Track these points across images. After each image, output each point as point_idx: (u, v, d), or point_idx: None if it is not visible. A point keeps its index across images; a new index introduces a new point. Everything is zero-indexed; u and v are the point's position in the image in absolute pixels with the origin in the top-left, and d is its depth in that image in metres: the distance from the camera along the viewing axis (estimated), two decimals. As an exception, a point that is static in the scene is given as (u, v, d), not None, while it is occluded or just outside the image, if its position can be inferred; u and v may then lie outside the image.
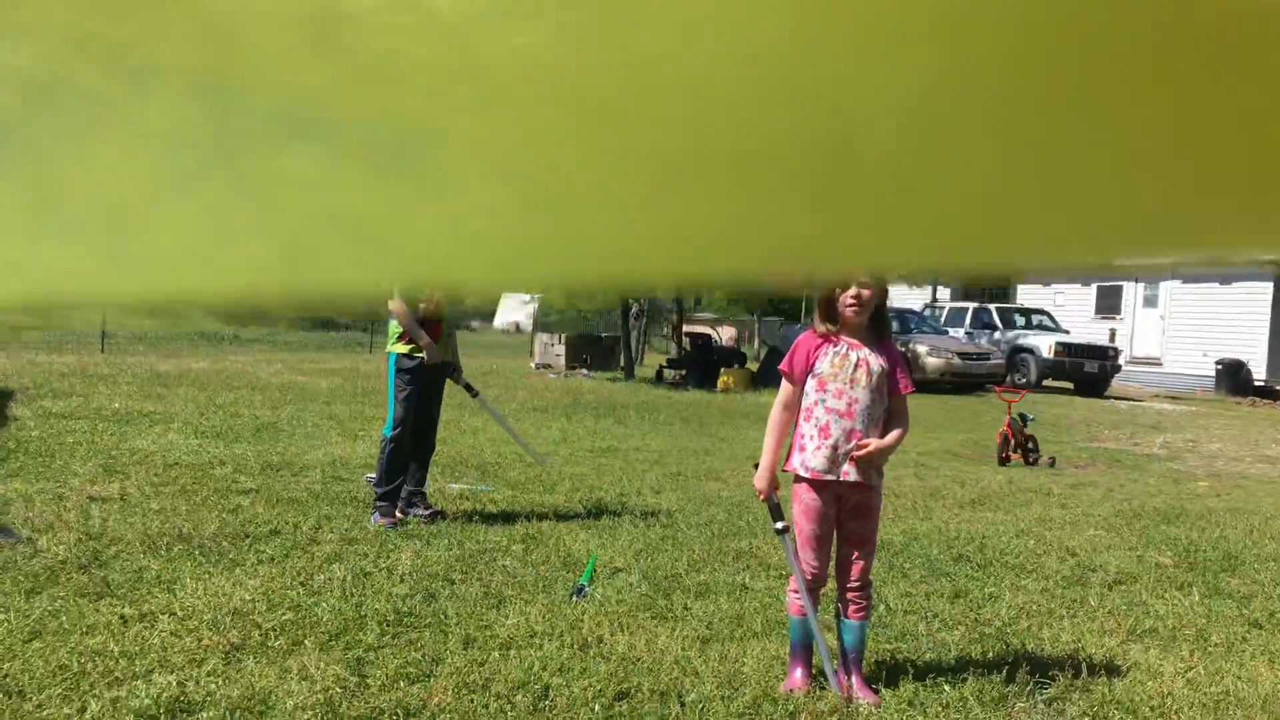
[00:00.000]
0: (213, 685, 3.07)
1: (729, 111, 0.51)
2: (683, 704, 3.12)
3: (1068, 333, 22.09)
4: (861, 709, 3.17)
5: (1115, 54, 0.47)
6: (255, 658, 3.35)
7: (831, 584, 3.47)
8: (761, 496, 3.38)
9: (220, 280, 0.63)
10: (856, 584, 3.36)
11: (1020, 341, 21.24)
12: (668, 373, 19.73)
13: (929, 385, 18.32)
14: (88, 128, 0.58)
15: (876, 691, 3.32)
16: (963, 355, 19.54)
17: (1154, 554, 5.70)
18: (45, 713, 2.81)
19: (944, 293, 30.09)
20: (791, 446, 3.38)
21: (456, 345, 6.05)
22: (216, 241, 0.61)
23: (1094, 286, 25.89)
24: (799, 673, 3.35)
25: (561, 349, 21.95)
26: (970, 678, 3.43)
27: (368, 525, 5.43)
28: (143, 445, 7.77)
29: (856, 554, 3.36)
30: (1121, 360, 21.82)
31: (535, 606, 4.07)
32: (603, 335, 24.98)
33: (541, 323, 32.72)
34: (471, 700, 3.08)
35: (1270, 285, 22.17)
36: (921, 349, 19.17)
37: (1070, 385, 21.01)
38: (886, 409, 3.34)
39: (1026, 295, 27.38)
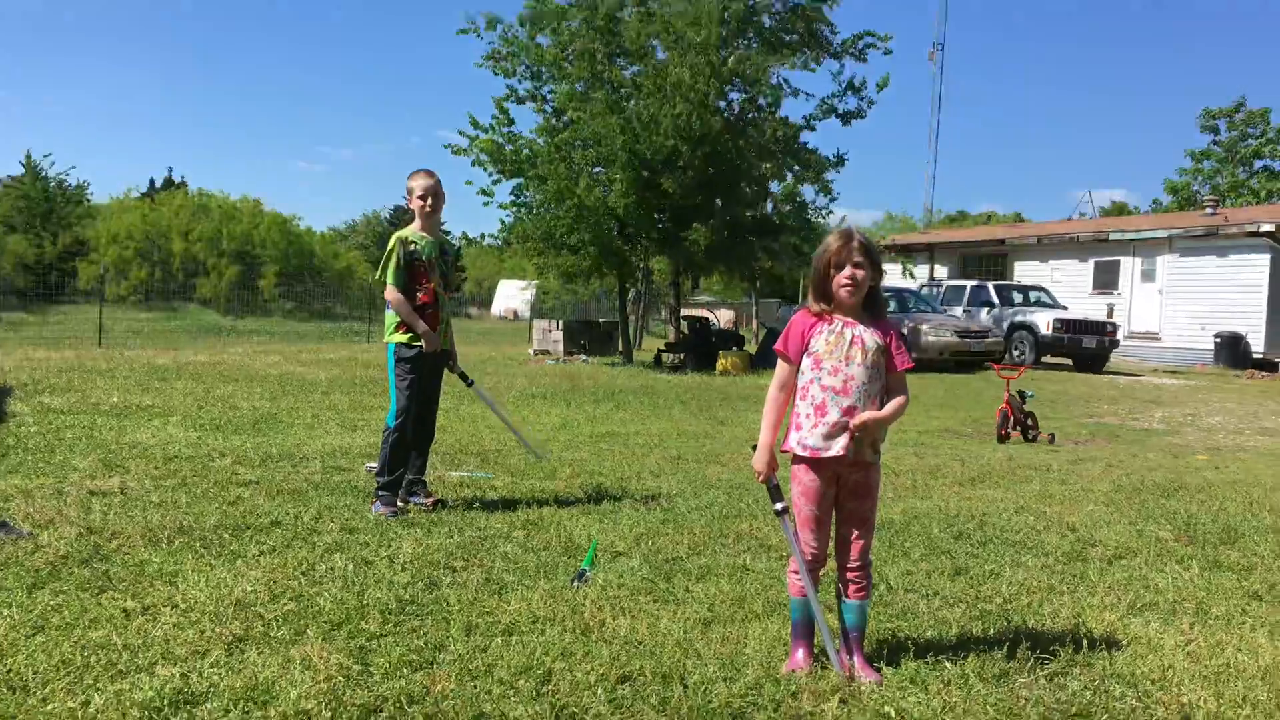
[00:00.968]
0: (216, 676, 3.08)
1: None
2: (685, 686, 3.13)
3: (1065, 309, 22.08)
4: (864, 688, 3.17)
5: None
6: (258, 648, 3.35)
7: (832, 564, 3.47)
8: (760, 478, 3.37)
9: None
10: (856, 563, 3.36)
11: (1018, 319, 21.23)
12: (666, 356, 19.73)
13: (928, 364, 18.33)
14: None
15: (878, 670, 3.33)
16: (961, 333, 19.54)
17: (1154, 528, 5.72)
18: (50, 707, 2.82)
19: (941, 270, 30.09)
20: (789, 426, 3.37)
21: (453, 333, 6.04)
22: None
23: (1091, 262, 25.87)
24: (800, 653, 3.36)
25: (559, 335, 21.95)
26: (971, 654, 3.44)
27: (368, 515, 5.44)
28: (142, 439, 7.77)
29: (856, 533, 3.36)
30: (1120, 336, 21.83)
31: (537, 592, 4.07)
32: (600, 320, 24.99)
33: (539, 309, 32.74)
34: (474, 686, 3.09)
35: (1267, 258, 22.15)
36: (920, 327, 19.17)
37: (1069, 361, 21.03)
38: (884, 386, 3.33)
39: (1024, 272, 27.36)
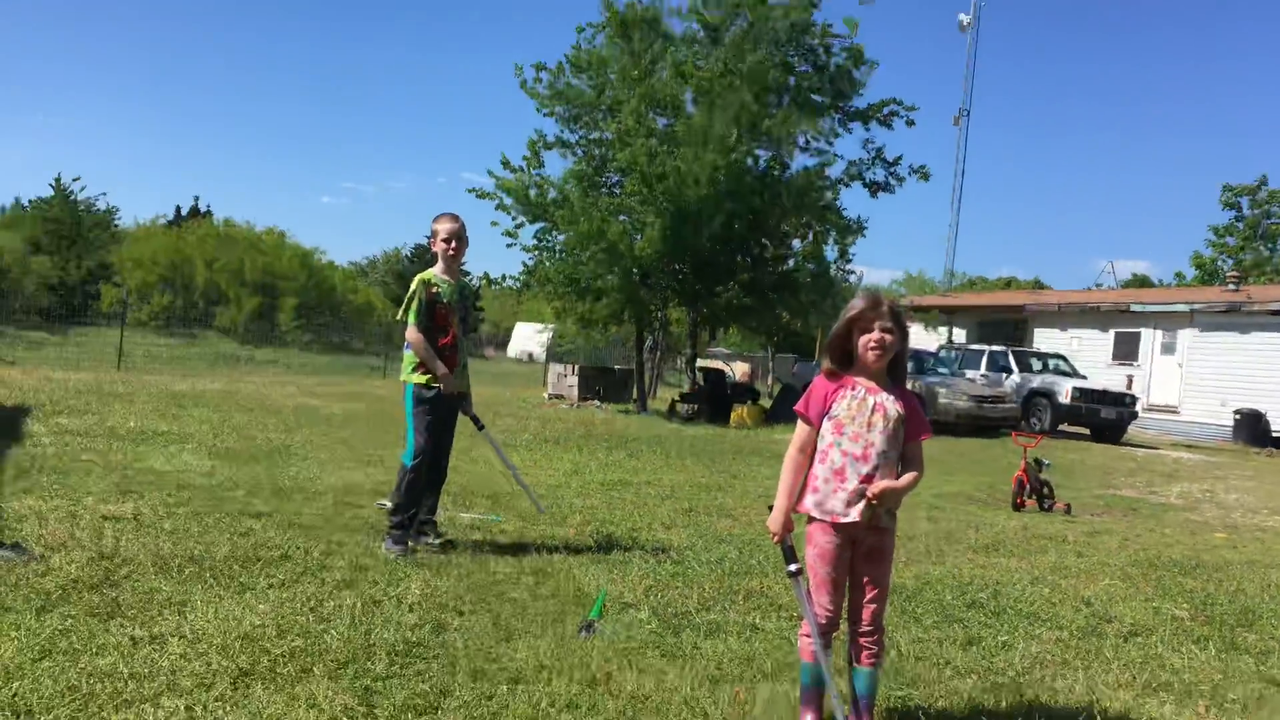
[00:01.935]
0: (221, 711, 3.06)
1: None
2: (691, 745, 3.09)
3: (1085, 378, 21.96)
4: (872, 756, 3.12)
5: None
6: (264, 684, 3.34)
7: (843, 628, 3.43)
8: (776, 539, 3.35)
9: None
10: (869, 629, 3.33)
11: (1036, 386, 21.12)
12: (681, 406, 19.71)
13: (944, 427, 18.22)
14: None
15: (887, 739, 3.28)
16: (978, 398, 19.44)
17: (1170, 606, 5.63)
18: (53, 733, 2.81)
19: (960, 333, 30.04)
20: (805, 487, 3.36)
21: (469, 376, 6.06)
22: None
23: (1111, 332, 25.79)
24: (810, 717, 3.32)
25: (575, 380, 21.98)
26: (983, 728, 3.39)
27: (379, 552, 5.42)
28: (157, 465, 7.80)
29: (869, 598, 3.33)
30: (1139, 407, 21.67)
31: (544, 640, 4.04)
32: (615, 367, 25.03)
33: (555, 353, 32.84)
34: (479, 734, 3.06)
35: (1289, 336, 22.02)
36: (937, 390, 19.09)
37: (1086, 431, 20.87)
38: (901, 454, 3.32)
39: (1043, 339, 27.28)
